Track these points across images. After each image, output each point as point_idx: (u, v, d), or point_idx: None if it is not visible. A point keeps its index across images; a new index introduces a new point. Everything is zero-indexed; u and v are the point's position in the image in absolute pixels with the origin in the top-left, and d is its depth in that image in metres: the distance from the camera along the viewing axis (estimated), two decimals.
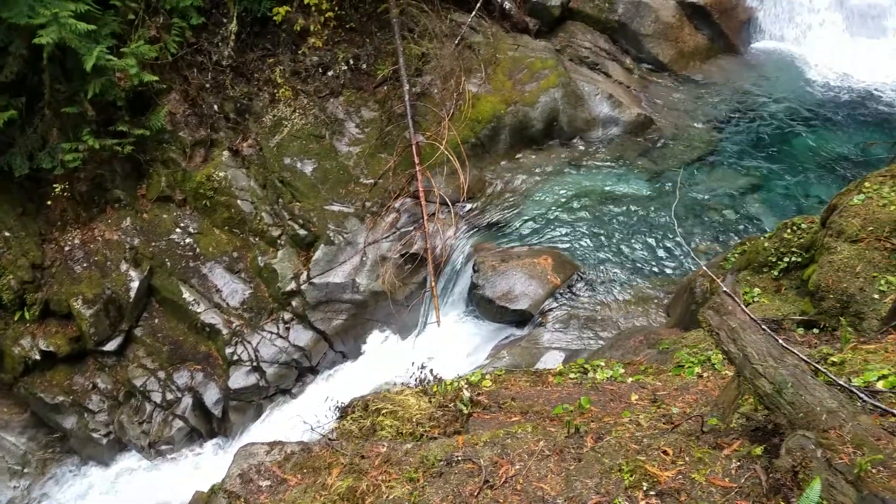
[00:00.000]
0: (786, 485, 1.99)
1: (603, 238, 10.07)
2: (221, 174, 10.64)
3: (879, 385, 2.84)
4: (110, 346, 10.17)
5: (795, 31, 14.03)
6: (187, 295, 10.25)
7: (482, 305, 9.61)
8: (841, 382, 2.55)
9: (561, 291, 9.42)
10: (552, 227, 10.32)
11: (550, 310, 9.26)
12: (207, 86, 10.89)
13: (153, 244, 10.61)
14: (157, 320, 10.54)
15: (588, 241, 10.08)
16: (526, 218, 10.48)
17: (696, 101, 12.60)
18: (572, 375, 5.33)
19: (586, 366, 5.49)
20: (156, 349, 10.26)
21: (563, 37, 12.82)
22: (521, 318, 9.39)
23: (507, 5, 12.13)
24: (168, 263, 10.50)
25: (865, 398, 2.49)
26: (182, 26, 10.57)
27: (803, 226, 6.57)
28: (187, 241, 10.64)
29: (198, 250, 10.56)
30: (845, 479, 1.87)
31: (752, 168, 11.04)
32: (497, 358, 8.81)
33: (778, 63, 13.55)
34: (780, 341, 2.41)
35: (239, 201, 10.57)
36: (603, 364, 5.54)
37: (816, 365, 2.51)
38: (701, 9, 13.45)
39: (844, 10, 14.12)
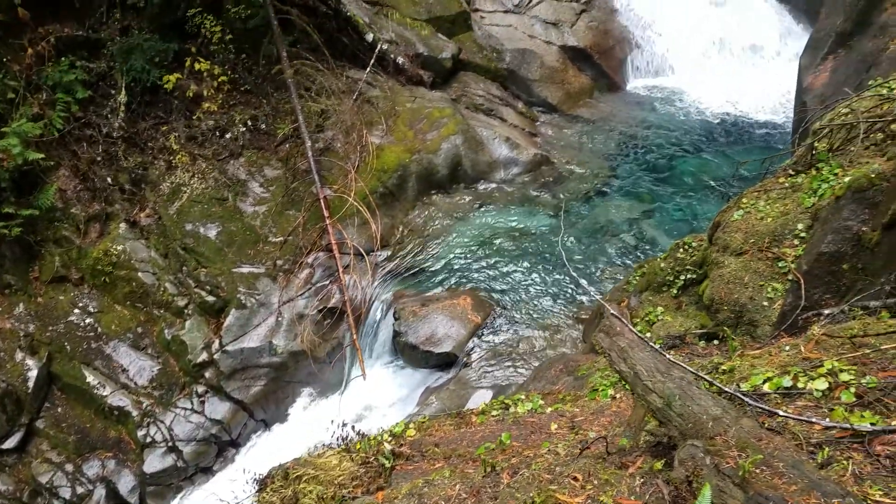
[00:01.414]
0: (681, 495, 2.09)
1: (517, 273, 10.31)
2: (119, 248, 10.24)
3: (765, 387, 3.02)
4: (9, 443, 9.43)
5: (670, 65, 15.17)
6: (91, 378, 9.69)
7: (407, 352, 9.58)
8: (727, 389, 2.71)
9: (483, 329, 9.54)
10: (468, 267, 10.49)
11: (474, 349, 9.36)
12: (99, 159, 10.54)
13: (50, 328, 10.02)
14: (60, 409, 9.87)
15: (503, 277, 10.30)
16: (441, 261, 10.62)
17: (588, 137, 13.29)
18: (494, 413, 5.36)
19: (507, 401, 5.54)
20: (61, 440, 9.59)
21: (457, 87, 13.28)
22: (446, 361, 9.42)
23: (400, 60, 12.45)
24: (68, 347, 9.91)
25: (751, 402, 2.65)
26: (67, 101, 10.26)
27: (693, 244, 6.95)
28: (87, 321, 10.11)
29: (99, 330, 10.04)
30: (732, 481, 1.98)
31: (645, 194, 11.68)
32: (426, 404, 8.76)
33: (657, 96, 14.58)
34: (667, 356, 2.54)
35: (140, 274, 10.17)
36: (523, 397, 5.61)
37: (701, 375, 2.65)
38: (582, 52, 14.35)
39: (714, 45, 15.41)
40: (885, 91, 6.08)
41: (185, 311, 9.98)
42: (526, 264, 10.42)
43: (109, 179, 10.54)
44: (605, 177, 12.21)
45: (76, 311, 10.17)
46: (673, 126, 13.56)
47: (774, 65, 15.37)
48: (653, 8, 15.42)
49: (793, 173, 6.31)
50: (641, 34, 15.19)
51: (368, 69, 12.05)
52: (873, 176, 4.94)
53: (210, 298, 9.98)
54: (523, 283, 10.17)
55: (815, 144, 6.08)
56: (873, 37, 9.99)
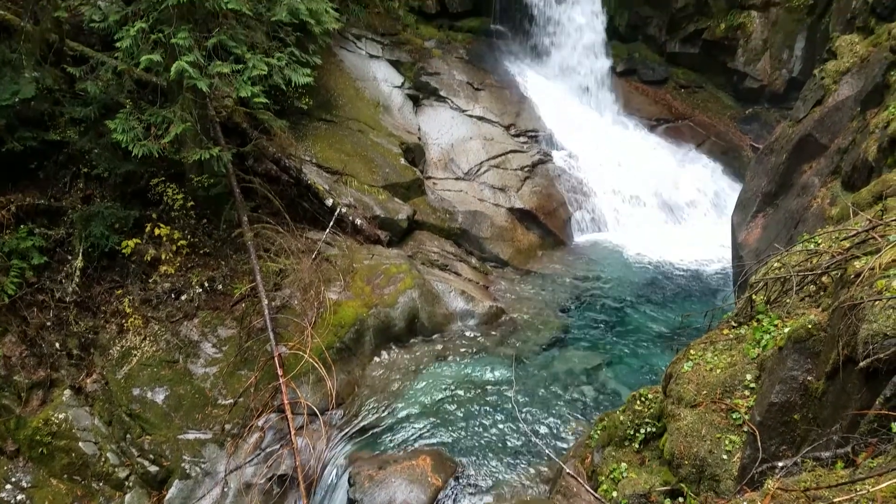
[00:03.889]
0: None
1: (477, 429, 10.09)
2: (61, 416, 9.75)
3: None
4: None
5: (610, 223, 16.20)
6: None
7: None
8: None
9: (444, 493, 9.13)
10: (427, 423, 10.24)
11: None
12: (49, 324, 10.32)
13: None
14: None
15: (464, 434, 10.05)
16: (400, 418, 10.35)
17: (540, 290, 13.73)
18: None
19: None
20: None
21: (412, 244, 13.78)
22: None
23: (358, 222, 12.94)
24: None
25: None
26: (22, 267, 10.21)
27: (650, 396, 7.00)
28: (19, 497, 9.36)
29: None
30: None
31: (599, 345, 11.90)
32: None
33: (602, 252, 15.40)
34: None
35: (81, 443, 9.62)
36: None
37: None
38: (528, 213, 15.34)
39: (652, 203, 16.59)
40: (812, 246, 6.51)
41: (126, 483, 9.37)
42: (486, 419, 10.24)
43: (58, 345, 10.26)
44: (559, 328, 12.47)
45: (8, 486, 9.44)
46: (619, 278, 14.18)
47: (708, 220, 16.52)
48: (590, 173, 16.78)
49: (735, 325, 6.56)
50: (581, 196, 16.35)
51: (328, 230, 12.44)
52: (811, 326, 5.17)
53: (153, 468, 9.41)
54: (485, 439, 9.93)
55: (753, 297, 6.40)
56: (797, 196, 10.87)
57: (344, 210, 12.83)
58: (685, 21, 19.66)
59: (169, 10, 9.27)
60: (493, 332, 12.19)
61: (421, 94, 17.10)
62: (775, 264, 6.75)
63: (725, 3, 19.03)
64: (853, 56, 10.93)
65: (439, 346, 11.82)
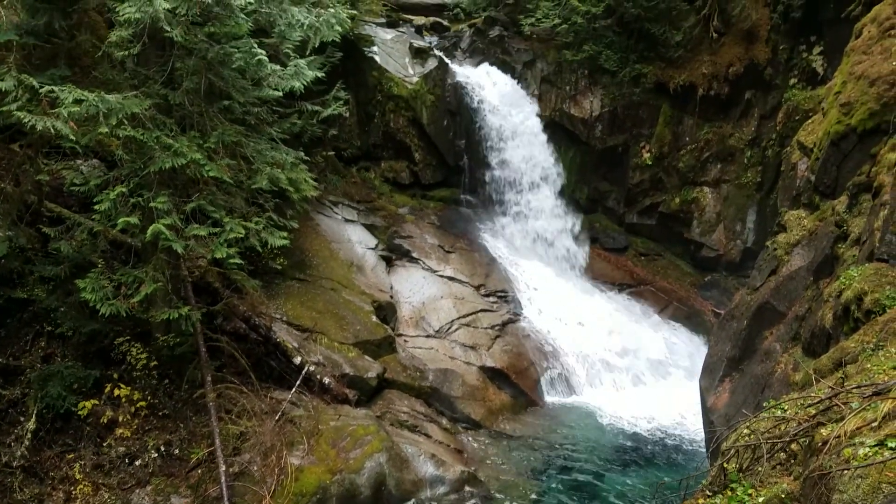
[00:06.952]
0: None
1: None
2: None
3: None
4: None
5: (583, 385, 16.18)
6: None
7: None
8: None
9: None
10: None
11: None
12: None
13: None
14: None
15: None
16: None
17: (513, 453, 13.33)
18: None
19: None
20: None
21: (381, 404, 13.48)
22: None
23: (326, 381, 12.72)
24: None
25: None
26: None
27: None
28: None
29: None
30: None
31: None
32: None
33: (574, 413, 15.23)
34: None
35: None
36: None
37: None
38: (499, 372, 15.32)
39: (621, 367, 16.70)
40: (779, 412, 6.57)
41: None
42: None
43: None
44: (536, 496, 11.96)
45: None
46: (592, 442, 13.90)
47: (677, 383, 16.59)
48: (559, 334, 17.09)
49: (710, 493, 6.42)
50: (552, 357, 16.48)
51: (294, 390, 12.16)
52: (784, 496, 5.12)
53: None
54: None
55: (726, 465, 6.33)
56: (761, 361, 11.06)
57: (312, 369, 12.64)
58: (641, 195, 21.07)
59: (150, 175, 9.65)
60: (464, 501, 11.62)
61: (394, 255, 17.68)
62: (745, 431, 6.75)
63: (678, 179, 20.50)
64: (802, 229, 11.70)
65: None
